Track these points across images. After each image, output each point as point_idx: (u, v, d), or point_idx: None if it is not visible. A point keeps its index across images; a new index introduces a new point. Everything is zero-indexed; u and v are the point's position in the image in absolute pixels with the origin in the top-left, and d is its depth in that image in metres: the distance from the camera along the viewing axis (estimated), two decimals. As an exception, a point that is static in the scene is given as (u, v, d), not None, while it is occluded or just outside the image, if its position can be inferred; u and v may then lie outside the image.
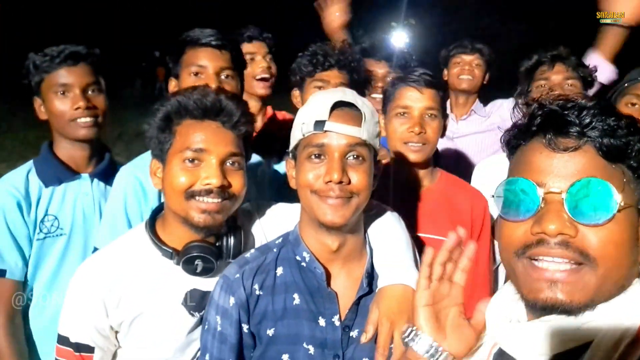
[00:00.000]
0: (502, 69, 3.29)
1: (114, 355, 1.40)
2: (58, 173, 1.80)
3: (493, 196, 0.88)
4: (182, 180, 1.28)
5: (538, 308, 0.80)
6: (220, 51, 1.78)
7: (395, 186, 1.68)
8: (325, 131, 1.17)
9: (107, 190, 1.85)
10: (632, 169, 0.81)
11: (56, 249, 1.77)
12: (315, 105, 1.21)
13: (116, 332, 1.36)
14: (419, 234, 1.73)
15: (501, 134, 0.94)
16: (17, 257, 1.71)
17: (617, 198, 0.77)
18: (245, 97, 2.27)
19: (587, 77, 2.11)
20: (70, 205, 1.80)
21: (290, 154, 1.28)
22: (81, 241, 1.79)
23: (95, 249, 1.65)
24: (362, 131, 1.17)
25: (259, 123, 2.42)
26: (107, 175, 1.84)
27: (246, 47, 2.33)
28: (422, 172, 1.82)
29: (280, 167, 2.22)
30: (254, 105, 2.37)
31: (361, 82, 2.08)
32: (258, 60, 2.34)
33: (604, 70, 2.25)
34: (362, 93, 1.75)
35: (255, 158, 2.04)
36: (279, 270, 1.27)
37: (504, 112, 2.85)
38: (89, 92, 1.80)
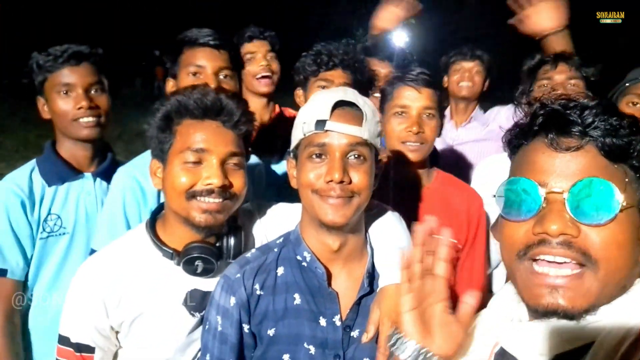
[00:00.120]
0: (502, 69, 3.29)
1: (115, 356, 1.40)
2: (61, 172, 1.80)
3: (494, 196, 0.88)
4: (183, 180, 1.28)
5: (539, 313, 0.80)
6: (219, 51, 1.78)
7: (392, 185, 1.68)
8: (327, 131, 1.17)
9: (109, 189, 1.85)
10: (634, 169, 0.81)
11: (59, 248, 1.78)
12: (316, 104, 1.21)
13: (117, 333, 1.36)
14: None
15: (501, 139, 0.93)
16: (18, 256, 1.72)
17: (619, 198, 0.77)
18: (248, 95, 2.28)
19: (590, 77, 2.11)
20: (73, 204, 1.80)
21: (291, 154, 1.28)
22: (84, 240, 1.79)
23: (92, 250, 1.65)
24: (363, 131, 1.17)
25: (265, 120, 2.42)
26: (109, 174, 1.84)
27: (247, 47, 2.33)
28: (419, 172, 1.82)
29: (280, 167, 2.22)
30: (258, 103, 2.38)
31: (365, 82, 2.08)
32: (258, 58, 2.34)
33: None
34: (365, 93, 1.75)
35: (253, 158, 2.04)
36: (280, 270, 1.27)
37: (501, 119, 2.86)
38: (92, 92, 1.80)
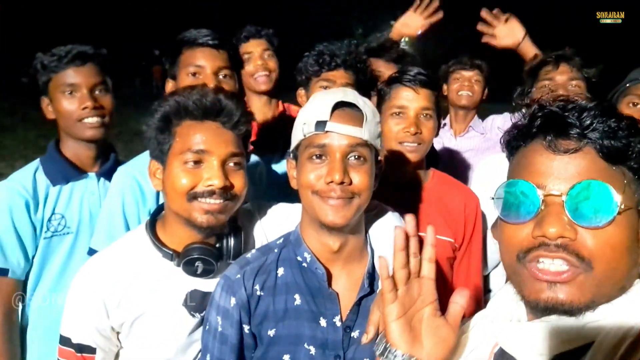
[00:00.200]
0: (501, 69, 3.30)
1: (116, 356, 1.41)
2: (65, 172, 1.81)
3: (492, 198, 0.88)
4: (184, 182, 1.28)
5: (539, 309, 0.80)
6: (218, 51, 1.78)
7: (389, 185, 1.69)
8: (327, 132, 1.17)
9: (109, 189, 1.86)
10: (632, 170, 0.80)
11: (63, 247, 1.78)
12: (317, 105, 1.21)
13: (117, 333, 1.36)
14: None
15: (499, 140, 0.93)
16: (19, 256, 1.72)
17: (618, 200, 0.76)
18: (248, 94, 2.28)
19: (591, 78, 2.11)
20: (77, 204, 1.81)
21: (291, 154, 1.28)
22: (88, 240, 1.79)
23: (91, 250, 1.65)
24: (364, 131, 1.17)
25: (269, 118, 2.42)
26: (112, 174, 1.85)
27: (244, 47, 2.33)
28: (415, 171, 1.82)
29: (281, 166, 2.22)
30: (258, 101, 2.38)
31: (367, 83, 2.07)
32: (255, 58, 2.34)
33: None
34: (367, 93, 1.75)
35: (253, 158, 2.04)
36: (280, 271, 1.27)
37: (496, 127, 2.88)
38: (96, 92, 1.81)
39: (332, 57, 2.00)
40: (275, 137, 2.22)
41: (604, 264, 0.76)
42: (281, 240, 1.33)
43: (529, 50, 2.36)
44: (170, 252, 1.33)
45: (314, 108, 1.20)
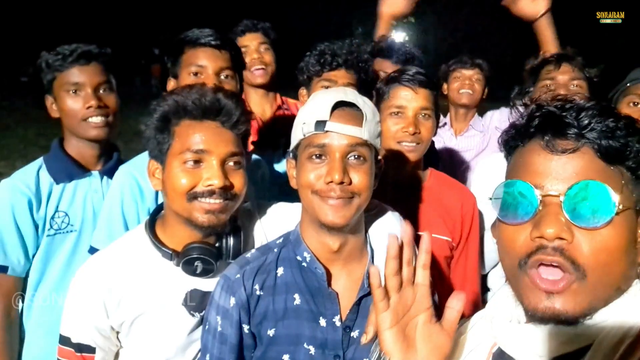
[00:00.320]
0: (501, 68, 3.30)
1: (116, 356, 1.41)
2: (69, 169, 1.81)
3: (490, 198, 0.87)
4: (184, 182, 1.27)
5: (537, 319, 0.80)
6: (220, 51, 1.78)
7: (387, 185, 1.69)
8: (326, 131, 1.17)
9: (110, 187, 1.86)
10: (630, 170, 0.80)
11: (66, 245, 1.79)
12: (316, 105, 1.21)
13: (117, 333, 1.36)
14: None
15: (497, 140, 0.93)
16: (20, 254, 1.73)
17: (616, 201, 0.76)
18: (246, 88, 2.27)
19: (593, 78, 2.11)
20: (80, 201, 1.82)
21: (291, 154, 1.28)
22: (91, 238, 1.79)
23: (92, 248, 1.65)
24: (363, 131, 1.17)
25: (267, 112, 2.42)
26: (115, 173, 1.85)
27: (240, 41, 2.33)
28: (413, 171, 1.83)
29: (281, 166, 2.22)
30: (256, 95, 2.37)
31: (369, 82, 2.07)
32: (251, 51, 2.34)
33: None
34: (369, 93, 1.74)
35: (254, 158, 2.04)
36: (280, 271, 1.27)
37: (495, 123, 2.88)
38: (101, 91, 1.81)
39: (334, 56, 2.00)
40: (276, 136, 2.22)
41: (597, 271, 0.76)
42: (281, 240, 1.33)
43: (546, 29, 2.24)
44: (170, 252, 1.33)
45: (314, 108, 1.20)
